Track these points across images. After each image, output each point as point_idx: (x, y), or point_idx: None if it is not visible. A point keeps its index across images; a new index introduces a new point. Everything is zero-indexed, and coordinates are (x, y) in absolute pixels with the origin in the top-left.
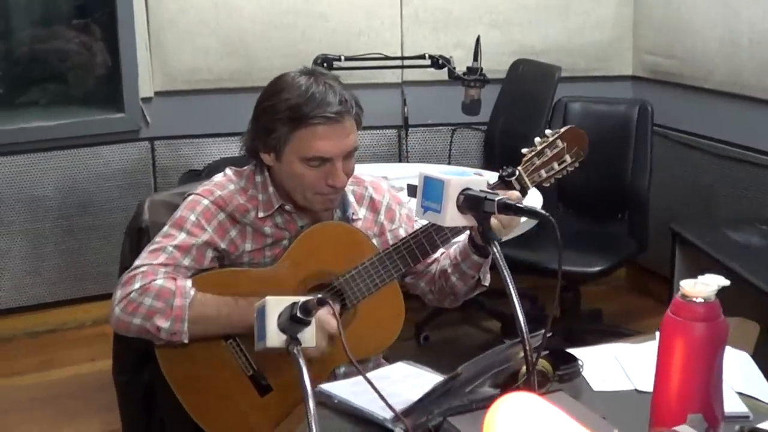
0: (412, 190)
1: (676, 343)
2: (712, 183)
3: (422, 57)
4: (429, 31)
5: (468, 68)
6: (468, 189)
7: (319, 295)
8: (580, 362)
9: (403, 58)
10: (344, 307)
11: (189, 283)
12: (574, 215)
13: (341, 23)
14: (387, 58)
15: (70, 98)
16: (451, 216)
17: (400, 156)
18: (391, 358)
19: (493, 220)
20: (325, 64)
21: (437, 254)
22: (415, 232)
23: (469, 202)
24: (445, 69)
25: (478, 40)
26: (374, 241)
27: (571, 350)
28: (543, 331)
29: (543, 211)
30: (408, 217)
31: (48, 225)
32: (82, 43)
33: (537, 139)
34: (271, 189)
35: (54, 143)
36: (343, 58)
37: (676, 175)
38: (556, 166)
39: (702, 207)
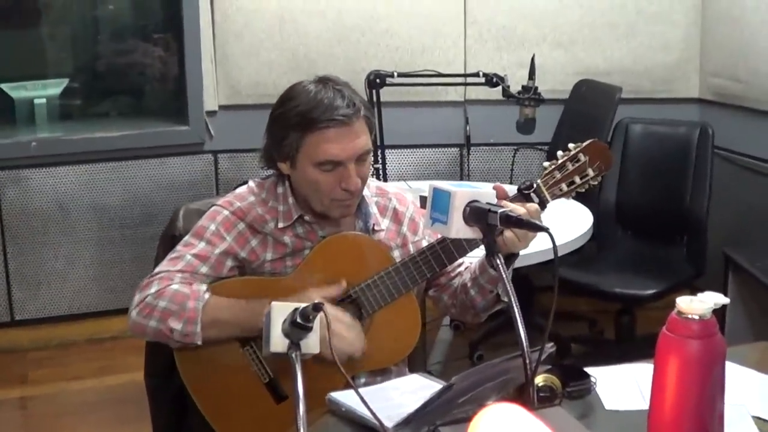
0: (424, 202)
1: (670, 360)
2: None
3: (476, 75)
4: (493, 50)
5: (523, 87)
6: (474, 201)
7: (316, 301)
8: (592, 379)
9: (458, 75)
10: (361, 317)
11: (204, 287)
12: (632, 237)
13: (405, 41)
14: (440, 75)
15: (139, 110)
16: (457, 228)
17: (461, 175)
18: (444, 375)
19: (508, 233)
20: (378, 80)
21: (461, 268)
22: (432, 244)
23: (475, 214)
24: (500, 87)
25: (533, 59)
26: (396, 252)
27: (589, 368)
28: (544, 345)
29: (543, 224)
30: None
31: (113, 234)
32: (158, 57)
33: (559, 153)
34: (291, 200)
35: (119, 154)
36: (396, 74)
37: (739, 199)
38: (577, 179)
39: (763, 233)
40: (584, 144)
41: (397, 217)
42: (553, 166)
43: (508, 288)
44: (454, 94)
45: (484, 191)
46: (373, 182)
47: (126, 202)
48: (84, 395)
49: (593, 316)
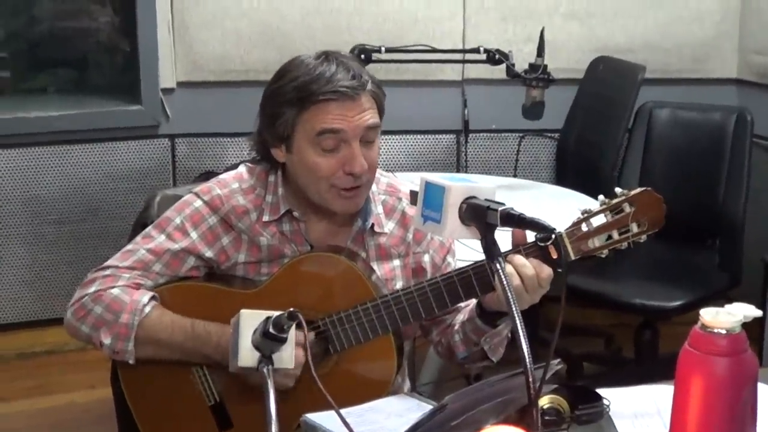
0: (414, 198)
1: (693, 380)
2: None
3: (477, 51)
4: (496, 22)
5: (530, 65)
6: (472, 197)
7: (291, 309)
8: (605, 402)
9: (455, 51)
10: (327, 352)
11: (147, 297)
12: (656, 240)
13: (394, 11)
14: (435, 50)
15: (83, 86)
16: (452, 227)
17: (458, 166)
18: (436, 397)
19: (516, 281)
20: (363, 56)
21: (463, 303)
22: (421, 284)
23: (472, 212)
24: (504, 65)
25: (542, 32)
26: (396, 261)
27: (602, 390)
28: (550, 361)
29: (549, 224)
30: (441, 245)
31: (50, 230)
32: (107, 23)
33: (601, 197)
34: (280, 191)
35: (59, 137)
36: (383, 49)
37: None
38: (615, 235)
39: None
40: (633, 192)
41: (404, 222)
42: (587, 215)
43: (510, 296)
44: (451, 72)
45: (481, 186)
46: (384, 178)
47: (65, 193)
48: (12, 421)
49: (610, 331)
